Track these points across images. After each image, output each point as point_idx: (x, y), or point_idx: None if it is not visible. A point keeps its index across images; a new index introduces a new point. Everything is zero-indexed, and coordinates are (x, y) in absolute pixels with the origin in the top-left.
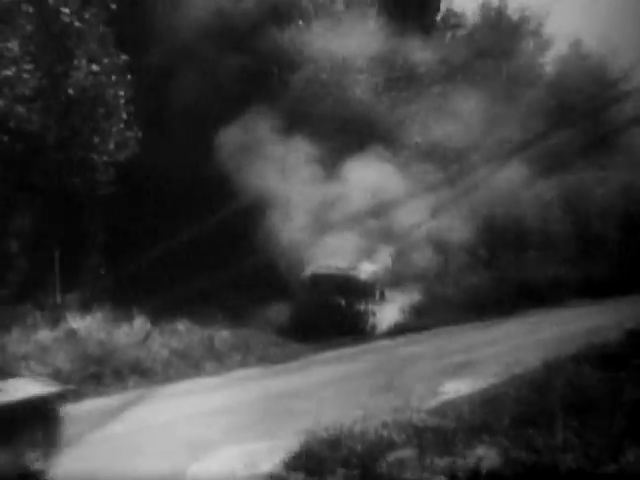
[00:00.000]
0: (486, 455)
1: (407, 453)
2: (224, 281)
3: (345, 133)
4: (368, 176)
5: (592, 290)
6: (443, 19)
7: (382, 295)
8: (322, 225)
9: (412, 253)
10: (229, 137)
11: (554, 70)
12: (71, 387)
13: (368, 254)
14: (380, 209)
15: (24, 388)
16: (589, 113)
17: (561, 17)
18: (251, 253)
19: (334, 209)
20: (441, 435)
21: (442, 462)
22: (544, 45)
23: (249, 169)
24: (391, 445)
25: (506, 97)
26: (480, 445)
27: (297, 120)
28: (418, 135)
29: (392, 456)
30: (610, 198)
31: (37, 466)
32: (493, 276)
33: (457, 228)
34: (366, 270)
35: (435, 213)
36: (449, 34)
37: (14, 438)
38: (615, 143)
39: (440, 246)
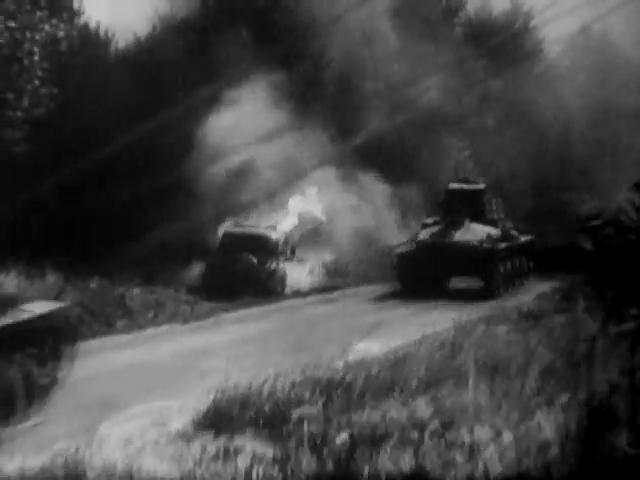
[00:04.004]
0: (390, 410)
1: (312, 409)
2: (140, 239)
3: None
4: None
5: None
6: None
7: (293, 253)
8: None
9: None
10: None
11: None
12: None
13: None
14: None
15: (39, 307)
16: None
17: None
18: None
19: None
20: (349, 393)
21: (346, 417)
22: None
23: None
24: (299, 404)
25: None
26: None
27: None
28: None
29: (297, 413)
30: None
31: (43, 381)
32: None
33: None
34: (278, 229)
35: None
36: None
37: (24, 353)
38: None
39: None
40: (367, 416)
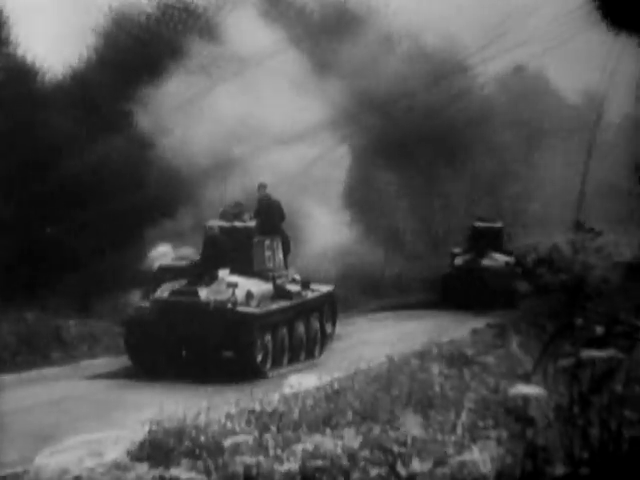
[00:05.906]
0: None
1: (245, 438)
2: (78, 270)
3: None
4: None
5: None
6: None
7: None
8: None
9: None
10: None
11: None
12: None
13: None
14: None
15: (322, 288)
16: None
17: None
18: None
19: None
20: (283, 426)
21: (284, 449)
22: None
23: None
24: (234, 434)
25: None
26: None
27: None
28: None
29: (229, 441)
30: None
31: (329, 329)
32: (337, 272)
33: None
34: None
35: None
36: None
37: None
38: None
39: None
40: (303, 447)
